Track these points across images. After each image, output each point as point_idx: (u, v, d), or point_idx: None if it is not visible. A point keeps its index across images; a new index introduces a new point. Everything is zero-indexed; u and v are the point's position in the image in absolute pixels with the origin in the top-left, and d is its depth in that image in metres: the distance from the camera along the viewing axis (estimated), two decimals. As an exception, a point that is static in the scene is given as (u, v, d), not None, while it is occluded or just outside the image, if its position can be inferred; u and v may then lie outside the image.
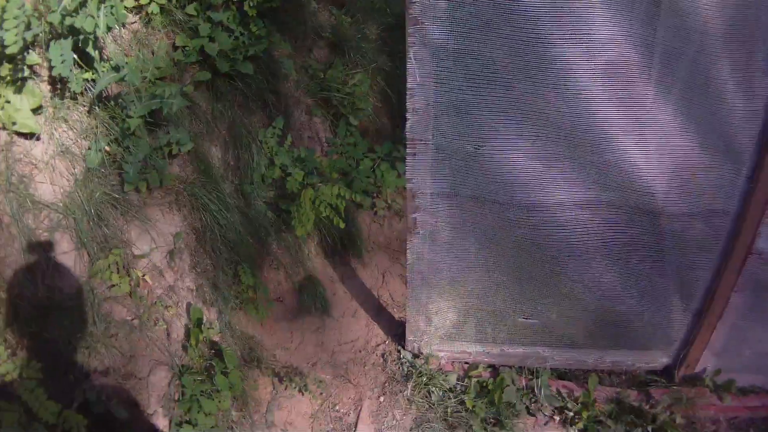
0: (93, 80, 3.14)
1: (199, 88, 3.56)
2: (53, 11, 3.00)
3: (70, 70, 3.01)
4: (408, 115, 2.88)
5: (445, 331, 3.70)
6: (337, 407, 3.72)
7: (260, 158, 3.81)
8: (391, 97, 4.26)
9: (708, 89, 2.77)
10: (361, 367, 3.90)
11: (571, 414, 3.54)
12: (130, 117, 3.20)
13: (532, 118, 2.82)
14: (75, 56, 3.04)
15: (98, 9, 3.06)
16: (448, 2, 2.58)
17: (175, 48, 3.51)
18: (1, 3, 2.82)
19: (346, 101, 4.04)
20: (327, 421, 3.64)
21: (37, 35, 2.99)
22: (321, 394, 3.70)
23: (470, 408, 3.57)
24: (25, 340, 2.80)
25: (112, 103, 3.19)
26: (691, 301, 3.40)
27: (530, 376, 3.64)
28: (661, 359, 3.66)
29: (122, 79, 3.17)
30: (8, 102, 2.91)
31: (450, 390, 3.70)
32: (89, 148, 3.15)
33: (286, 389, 3.68)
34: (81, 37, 3.06)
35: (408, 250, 3.34)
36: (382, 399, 3.75)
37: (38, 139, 3.01)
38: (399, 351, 3.90)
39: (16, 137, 2.93)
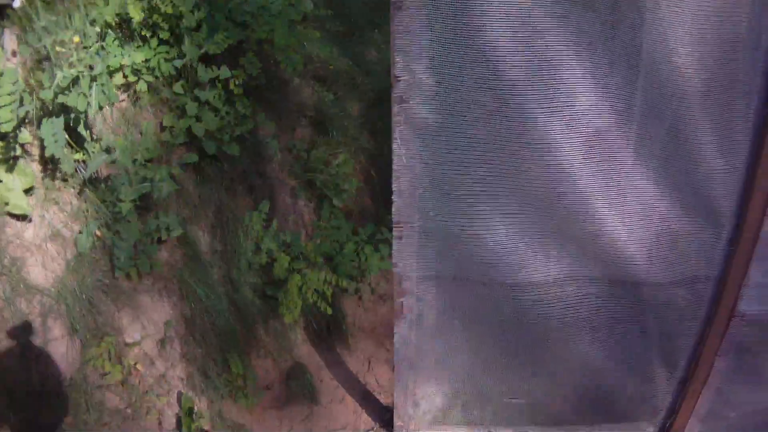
0: (83, 161, 3.15)
1: (186, 170, 3.56)
2: (45, 88, 3.02)
3: (63, 150, 3.02)
4: (394, 198, 2.84)
5: (433, 416, 3.65)
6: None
7: (247, 243, 3.80)
8: (374, 176, 4.35)
9: (688, 152, 2.86)
10: (352, 454, 3.84)
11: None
12: (121, 201, 3.18)
13: (516, 195, 2.85)
14: (66, 136, 3.05)
15: (90, 87, 3.09)
16: (435, 80, 2.61)
17: (162, 128, 3.53)
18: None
19: (329, 182, 4.09)
20: None
21: (29, 112, 2.99)
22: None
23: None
24: (20, 427, 2.70)
25: (103, 185, 3.18)
26: (675, 370, 3.41)
27: (520, 456, 3.60)
28: (647, 429, 3.68)
29: (113, 161, 3.20)
30: (0, 181, 2.89)
31: (440, 474, 3.63)
32: (80, 232, 3.11)
33: (276, 480, 3.59)
34: (72, 115, 3.07)
35: (395, 335, 3.29)
36: (374, 486, 3.68)
37: (30, 221, 2.97)
38: (388, 437, 3.84)
39: (8, 218, 2.90)
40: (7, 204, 2.87)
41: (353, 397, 4.11)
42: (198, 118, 3.57)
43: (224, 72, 3.64)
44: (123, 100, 3.44)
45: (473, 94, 2.64)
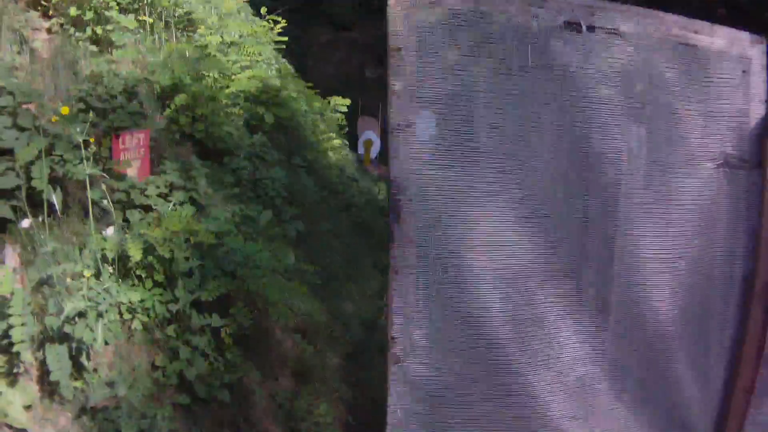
0: (82, 389, 3.14)
1: (178, 411, 3.55)
2: (51, 314, 3.10)
3: (67, 378, 3.03)
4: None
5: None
6: None
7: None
8: (352, 423, 4.38)
9: (666, 380, 3.13)
10: None
11: None
12: (120, 433, 3.16)
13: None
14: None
15: (96, 321, 3.19)
16: (428, 341, 2.86)
17: (154, 367, 3.57)
18: (5, 289, 2.94)
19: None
20: None
21: (32, 335, 3.04)
22: None
23: None
24: None
25: (101, 415, 3.14)
26: None
27: None
28: None
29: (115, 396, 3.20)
30: (0, 393, 2.90)
31: None
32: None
33: None
34: (74, 345, 3.13)
35: None
36: None
37: (28, 437, 2.89)
38: None
39: (7, 429, 2.82)
40: (6, 416, 2.83)
41: None
42: (189, 362, 3.64)
43: (216, 321, 3.80)
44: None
45: (466, 353, 2.91)
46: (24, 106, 3.78)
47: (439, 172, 2.80)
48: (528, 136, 2.87)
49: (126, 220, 3.97)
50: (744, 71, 3.08)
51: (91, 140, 3.75)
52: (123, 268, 3.65)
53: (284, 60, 9.85)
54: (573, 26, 2.86)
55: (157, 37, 6.12)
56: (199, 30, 6.92)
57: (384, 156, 14.65)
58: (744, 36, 3.10)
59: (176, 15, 6.75)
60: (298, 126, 7.85)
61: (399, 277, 2.80)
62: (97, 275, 3.46)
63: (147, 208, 4.17)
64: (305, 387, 4.28)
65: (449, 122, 2.78)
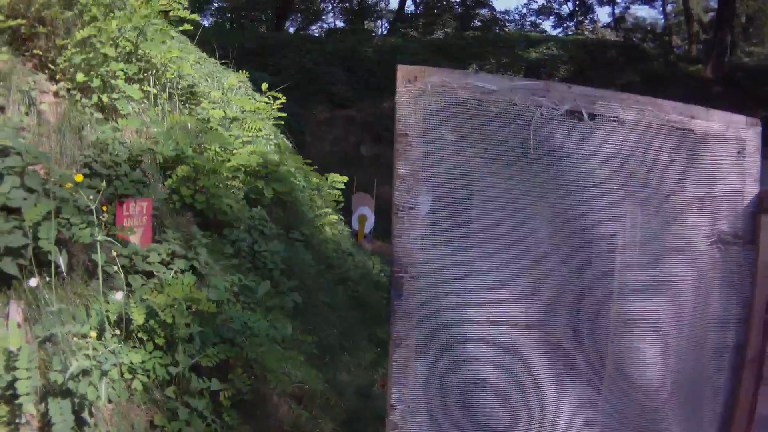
0: (84, 447, 3.25)
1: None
2: (55, 370, 3.24)
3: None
4: None
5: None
6: None
7: None
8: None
9: None
10: None
11: None
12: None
13: None
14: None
15: (100, 380, 3.33)
16: (426, 409, 2.97)
17: (153, 426, 3.67)
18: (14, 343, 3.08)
19: None
20: None
21: (36, 387, 3.17)
22: None
23: None
24: None
25: (101, 474, 3.25)
26: None
27: None
28: None
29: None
30: None
31: None
32: None
33: None
34: (77, 400, 3.25)
35: None
36: None
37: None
38: None
39: None
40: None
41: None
42: (188, 423, 3.74)
43: (215, 384, 3.94)
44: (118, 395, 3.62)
45: (462, 422, 3.02)
46: (31, 168, 4.00)
47: (439, 250, 2.95)
48: (526, 215, 3.04)
49: (128, 284, 4.13)
50: (739, 152, 3.27)
51: (104, 208, 3.95)
52: (125, 330, 3.80)
53: (283, 135, 10.17)
54: (575, 114, 3.05)
55: (160, 108, 6.39)
56: (202, 104, 7.21)
57: (378, 231, 14.92)
58: (739, 119, 3.30)
59: (179, 87, 7.05)
60: (296, 201, 8.09)
61: (399, 350, 2.94)
62: (99, 335, 3.60)
63: (149, 274, 4.35)
64: (303, 455, 4.37)
65: (450, 202, 2.94)
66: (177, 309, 3.92)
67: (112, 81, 5.57)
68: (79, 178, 3.98)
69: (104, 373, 3.36)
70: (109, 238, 4.04)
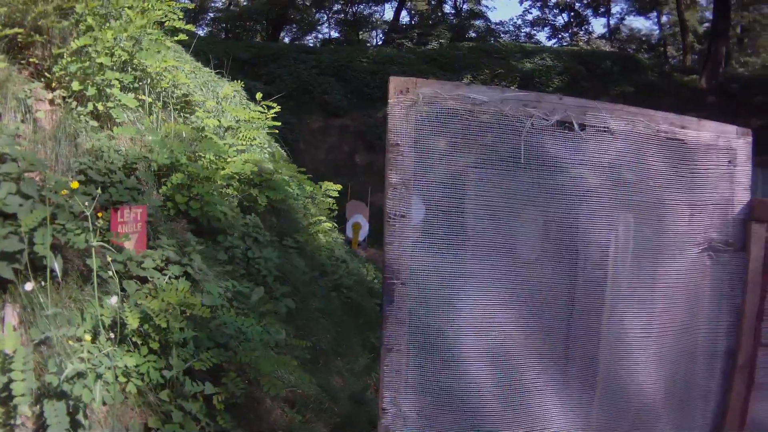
0: (78, 446, 3.30)
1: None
2: (50, 372, 3.30)
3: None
4: None
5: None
6: None
7: None
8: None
9: None
10: None
11: None
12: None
13: None
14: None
15: (95, 382, 3.39)
16: (417, 414, 3.05)
17: (147, 428, 3.73)
18: (9, 345, 3.14)
19: None
20: None
21: (31, 389, 3.22)
22: None
23: None
24: None
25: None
26: None
27: None
28: None
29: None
30: None
31: None
32: None
33: None
34: (72, 402, 3.31)
35: None
36: None
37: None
38: None
39: None
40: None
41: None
42: (182, 425, 3.80)
43: (209, 388, 4.00)
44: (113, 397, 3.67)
45: (448, 416, 3.10)
46: (27, 174, 4.07)
47: (430, 257, 3.03)
48: (517, 222, 3.11)
49: (123, 289, 4.19)
50: (730, 161, 3.36)
51: (99, 215, 4.02)
52: (119, 334, 3.85)
53: (277, 144, 10.24)
54: (565, 125, 3.12)
55: (155, 116, 6.45)
56: (196, 113, 7.27)
57: (372, 239, 14.99)
58: (730, 129, 3.38)
59: (174, 96, 7.11)
60: (290, 208, 8.17)
61: (391, 355, 3.01)
62: (94, 338, 3.66)
63: (143, 280, 4.41)
64: (295, 458, 4.43)
65: (441, 211, 3.02)
66: (171, 314, 3.98)
67: (108, 90, 5.63)
68: (74, 184, 4.05)
69: (99, 376, 3.42)
70: (103, 244, 4.10)
